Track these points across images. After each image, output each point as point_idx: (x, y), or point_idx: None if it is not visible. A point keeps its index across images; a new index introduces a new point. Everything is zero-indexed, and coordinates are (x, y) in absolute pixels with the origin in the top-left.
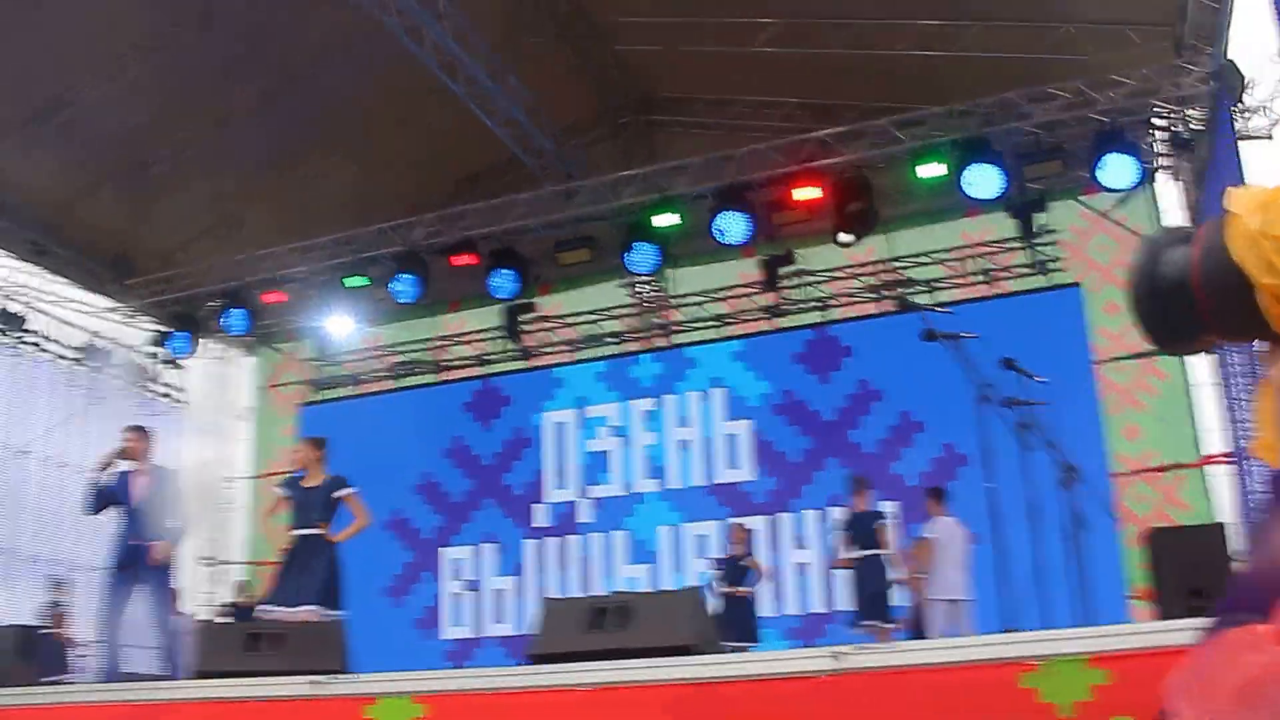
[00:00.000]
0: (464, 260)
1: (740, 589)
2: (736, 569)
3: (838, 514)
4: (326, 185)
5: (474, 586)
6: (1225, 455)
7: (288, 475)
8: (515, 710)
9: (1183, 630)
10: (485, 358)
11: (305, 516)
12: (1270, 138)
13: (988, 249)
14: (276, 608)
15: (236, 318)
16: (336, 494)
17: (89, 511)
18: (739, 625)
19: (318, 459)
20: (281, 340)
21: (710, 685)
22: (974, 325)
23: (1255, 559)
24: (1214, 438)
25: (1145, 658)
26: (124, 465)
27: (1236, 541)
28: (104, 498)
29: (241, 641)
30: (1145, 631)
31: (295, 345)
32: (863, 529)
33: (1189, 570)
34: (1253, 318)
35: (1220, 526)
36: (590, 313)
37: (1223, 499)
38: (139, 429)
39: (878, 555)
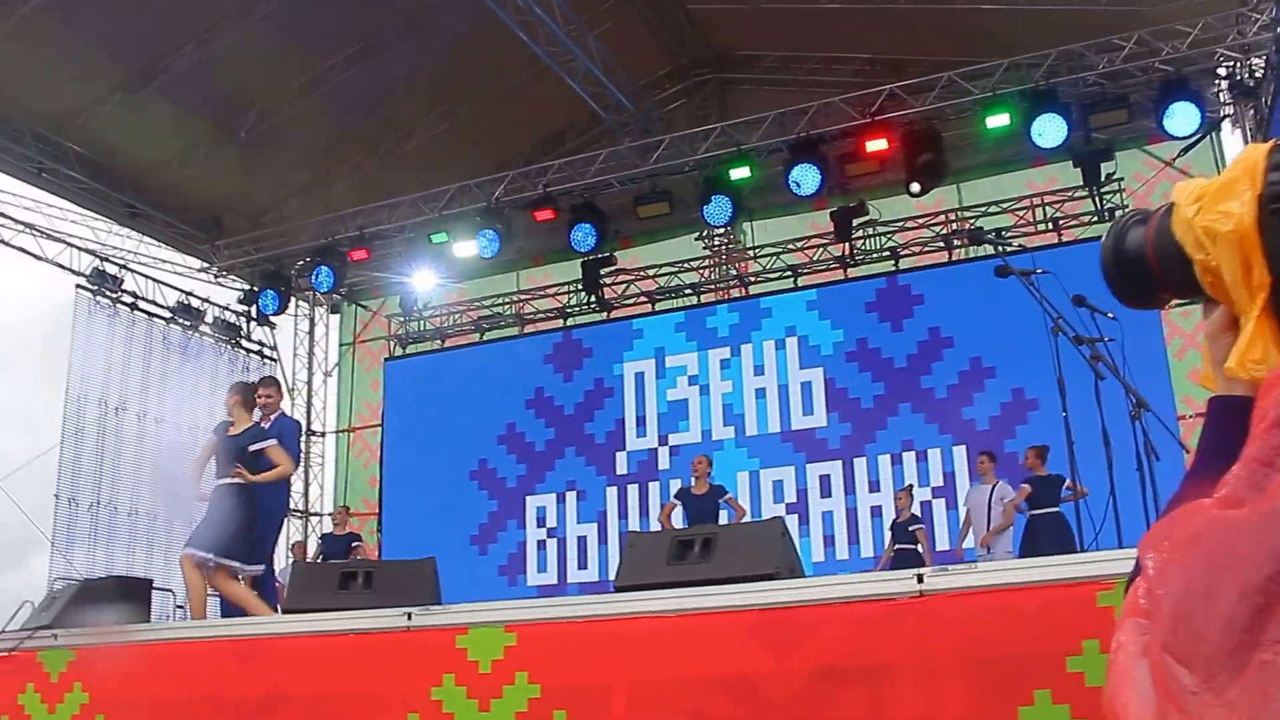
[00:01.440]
0: (545, 215)
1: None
2: (705, 504)
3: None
4: (412, 145)
5: (557, 534)
6: None
7: (221, 421)
8: (603, 638)
9: None
10: (566, 310)
11: (224, 465)
12: None
13: (1054, 198)
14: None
15: (324, 275)
16: (254, 446)
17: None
18: None
19: (238, 404)
20: (367, 297)
21: (794, 609)
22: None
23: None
24: None
25: None
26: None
27: None
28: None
29: (335, 580)
30: None
31: (381, 301)
32: (1048, 492)
33: None
34: (1193, 282)
35: None
36: (668, 265)
37: None
38: (272, 381)
39: (1060, 513)
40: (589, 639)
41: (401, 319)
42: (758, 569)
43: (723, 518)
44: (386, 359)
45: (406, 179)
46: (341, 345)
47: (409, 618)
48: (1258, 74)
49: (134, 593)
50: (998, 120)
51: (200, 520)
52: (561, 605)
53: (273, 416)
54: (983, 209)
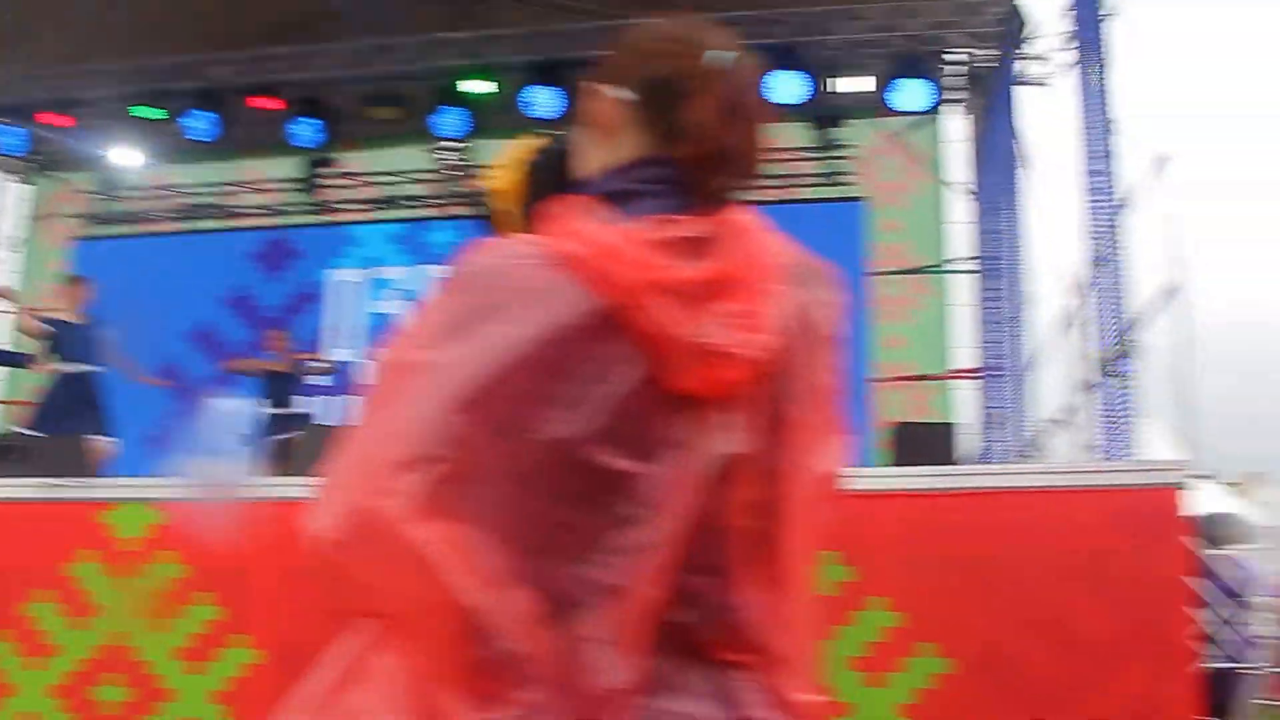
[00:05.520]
0: (266, 104)
1: None
2: None
3: None
4: (128, 10)
5: None
6: (970, 370)
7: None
8: None
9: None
10: (278, 208)
11: None
12: (1044, 85)
13: (787, 156)
14: None
15: (13, 136)
16: None
17: None
18: None
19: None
20: (61, 168)
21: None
22: None
23: None
24: (963, 354)
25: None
26: None
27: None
28: None
29: None
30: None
31: (75, 175)
32: None
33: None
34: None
35: (951, 425)
36: (391, 174)
37: (962, 407)
38: None
39: None
40: None
41: (96, 196)
42: None
43: None
44: (75, 239)
45: (119, 44)
46: (28, 218)
47: (48, 488)
48: (983, 65)
49: None
50: None
51: None
52: None
53: None
54: None
